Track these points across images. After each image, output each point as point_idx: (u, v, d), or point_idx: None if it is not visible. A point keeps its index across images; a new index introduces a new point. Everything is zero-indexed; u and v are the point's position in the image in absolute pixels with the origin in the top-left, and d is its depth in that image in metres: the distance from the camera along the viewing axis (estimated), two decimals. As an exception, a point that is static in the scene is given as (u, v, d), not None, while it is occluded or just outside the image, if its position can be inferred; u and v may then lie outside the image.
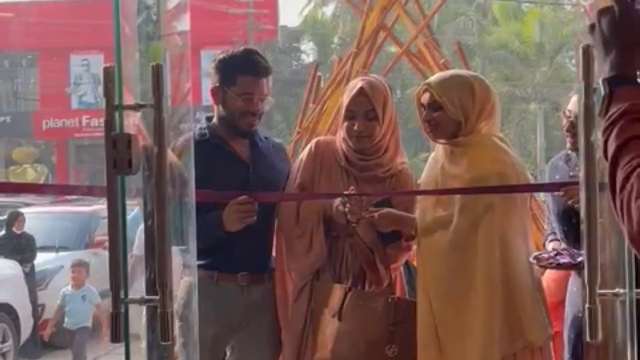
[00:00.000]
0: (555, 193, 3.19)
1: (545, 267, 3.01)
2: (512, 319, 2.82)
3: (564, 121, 3.25)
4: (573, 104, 3.14)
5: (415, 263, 3.13)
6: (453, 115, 2.91)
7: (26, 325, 8.50)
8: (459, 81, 2.99)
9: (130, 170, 2.06)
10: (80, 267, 8.11)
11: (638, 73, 1.31)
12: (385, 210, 2.97)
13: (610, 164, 1.19)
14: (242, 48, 3.22)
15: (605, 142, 1.24)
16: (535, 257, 2.93)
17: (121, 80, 2.09)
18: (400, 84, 23.82)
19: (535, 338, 2.85)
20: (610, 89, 1.28)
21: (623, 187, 1.12)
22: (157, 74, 2.08)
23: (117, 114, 2.09)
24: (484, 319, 2.80)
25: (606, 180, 1.21)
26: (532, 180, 3.40)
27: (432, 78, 3.09)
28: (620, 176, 1.14)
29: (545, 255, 3.06)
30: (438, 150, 3.06)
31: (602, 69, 1.32)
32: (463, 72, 3.25)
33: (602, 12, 1.32)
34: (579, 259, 2.94)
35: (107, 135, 2.08)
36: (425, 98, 2.98)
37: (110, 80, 2.08)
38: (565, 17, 27.54)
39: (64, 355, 9.10)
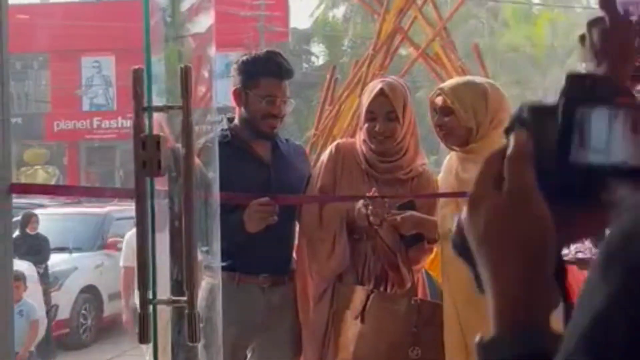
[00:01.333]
0: None
1: (566, 263, 3.01)
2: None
3: None
4: None
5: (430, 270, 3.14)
6: (465, 121, 2.91)
7: (40, 326, 8.52)
8: (473, 87, 2.99)
9: (159, 171, 2.07)
10: (16, 282, 7.86)
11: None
12: (409, 213, 2.97)
13: None
14: (264, 50, 3.24)
15: None
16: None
17: (151, 82, 2.09)
18: (410, 87, 23.83)
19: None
20: None
21: None
22: (186, 75, 2.09)
23: (146, 116, 2.10)
24: None
25: None
26: None
27: (446, 83, 3.10)
28: None
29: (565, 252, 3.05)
30: (452, 157, 3.06)
31: None
32: (478, 78, 3.24)
33: (593, 22, 1.28)
34: None
35: (135, 136, 2.08)
36: (438, 102, 2.98)
37: (139, 81, 2.09)
38: (576, 19, 27.47)
39: (79, 355, 9.14)
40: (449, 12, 6.41)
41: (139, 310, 2.13)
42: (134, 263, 6.60)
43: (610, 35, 1.26)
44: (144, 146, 2.07)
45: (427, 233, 3.01)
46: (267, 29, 23.55)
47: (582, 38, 1.30)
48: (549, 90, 26.79)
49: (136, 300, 6.31)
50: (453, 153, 3.04)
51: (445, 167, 3.09)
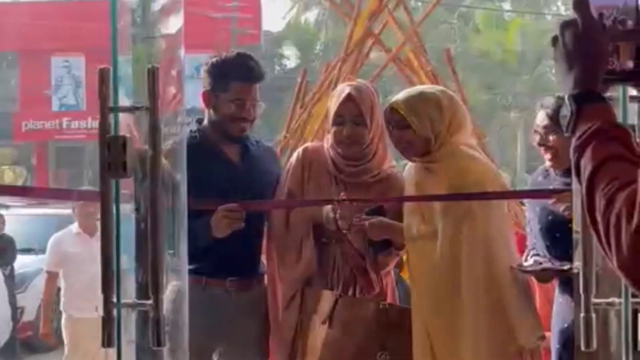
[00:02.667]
0: (539, 208, 3.18)
1: (528, 273, 3.01)
2: (501, 325, 2.83)
3: (536, 137, 3.19)
4: (541, 118, 3.11)
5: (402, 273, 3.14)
6: (422, 133, 2.91)
7: (5, 328, 8.42)
8: (426, 98, 2.97)
9: (125, 173, 2.04)
10: None
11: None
12: (376, 219, 2.97)
13: (587, 186, 1.14)
14: (235, 53, 3.21)
15: (577, 162, 1.19)
16: (519, 265, 2.95)
17: (117, 82, 2.06)
18: (381, 91, 23.88)
19: (526, 341, 2.87)
20: (578, 106, 1.23)
21: (607, 209, 1.08)
22: (153, 76, 2.07)
23: (112, 116, 2.07)
24: (474, 327, 2.82)
25: None
26: (508, 184, 3.42)
27: (399, 96, 3.03)
28: (600, 199, 1.09)
29: (528, 263, 3.07)
30: (410, 169, 3.06)
31: (565, 84, 1.27)
32: (429, 88, 3.24)
33: (565, 25, 1.28)
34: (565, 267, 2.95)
35: (101, 137, 2.05)
36: (393, 117, 2.98)
37: (106, 81, 2.06)
38: (546, 26, 27.71)
39: (45, 358, 9.02)
40: (420, 17, 6.43)
41: (101, 313, 2.11)
42: (56, 268, 6.46)
43: (582, 37, 1.25)
44: (109, 147, 2.04)
45: (395, 238, 3.00)
46: (239, 31, 23.49)
47: (555, 39, 1.29)
48: (519, 95, 27.00)
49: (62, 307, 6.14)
50: (411, 165, 3.05)
51: (404, 177, 3.10)
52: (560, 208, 2.99)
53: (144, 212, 2.15)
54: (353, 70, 5.25)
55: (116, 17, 2.24)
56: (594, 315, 2.08)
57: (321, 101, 5.13)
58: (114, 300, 2.10)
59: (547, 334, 3.16)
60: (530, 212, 3.29)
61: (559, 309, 3.19)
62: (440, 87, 3.27)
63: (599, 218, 1.10)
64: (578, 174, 1.18)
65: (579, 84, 1.25)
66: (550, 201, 3.07)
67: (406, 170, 3.12)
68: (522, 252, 3.22)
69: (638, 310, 2.05)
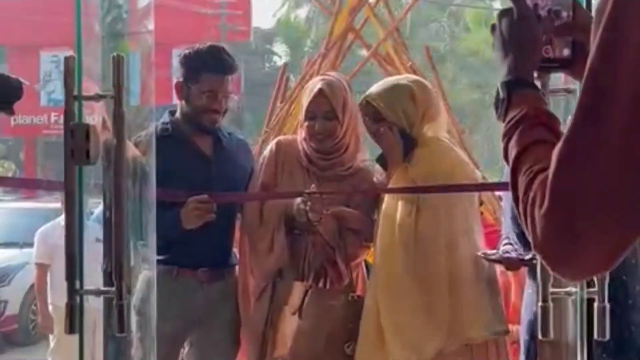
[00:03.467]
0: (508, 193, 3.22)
1: (493, 262, 3.04)
2: (452, 316, 2.85)
3: None
4: None
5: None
6: (397, 125, 2.94)
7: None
8: (400, 90, 3.00)
9: (87, 160, 2.06)
10: None
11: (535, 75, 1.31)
12: (338, 208, 3.00)
13: (512, 170, 1.16)
14: (207, 44, 3.22)
15: (506, 147, 1.22)
16: (484, 253, 2.97)
17: (81, 70, 2.09)
18: (368, 87, 23.91)
19: (476, 334, 2.87)
20: (509, 93, 1.26)
21: (526, 193, 1.11)
22: (118, 65, 2.09)
23: (76, 104, 2.09)
24: (422, 315, 2.84)
25: None
26: (480, 179, 3.44)
27: (373, 89, 3.06)
28: (522, 182, 1.12)
29: (493, 251, 3.09)
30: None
31: (501, 72, 1.30)
32: (402, 79, 3.24)
33: (502, 13, 1.31)
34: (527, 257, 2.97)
35: (66, 125, 2.07)
36: (368, 109, 3.01)
37: (70, 70, 2.08)
38: (536, 25, 27.74)
39: (26, 352, 9.03)
40: (401, 13, 6.44)
41: (66, 300, 2.12)
42: (46, 260, 6.44)
43: (516, 26, 1.29)
44: (72, 134, 2.06)
45: (356, 227, 3.03)
46: (229, 27, 23.47)
47: (493, 28, 1.32)
48: (508, 94, 27.01)
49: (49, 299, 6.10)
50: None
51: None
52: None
53: (109, 200, 2.18)
54: (334, 66, 5.25)
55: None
56: (551, 305, 2.11)
57: (301, 96, 5.13)
58: (77, 287, 2.12)
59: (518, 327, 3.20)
60: (505, 202, 3.33)
61: (527, 300, 3.22)
62: (415, 77, 3.28)
63: (520, 202, 1.13)
64: (507, 159, 1.21)
65: (511, 71, 1.28)
66: None
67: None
68: (493, 247, 3.25)
69: (592, 299, 2.08)
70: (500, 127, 1.28)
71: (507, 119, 1.24)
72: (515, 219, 3.20)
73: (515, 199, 1.14)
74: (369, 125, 3.04)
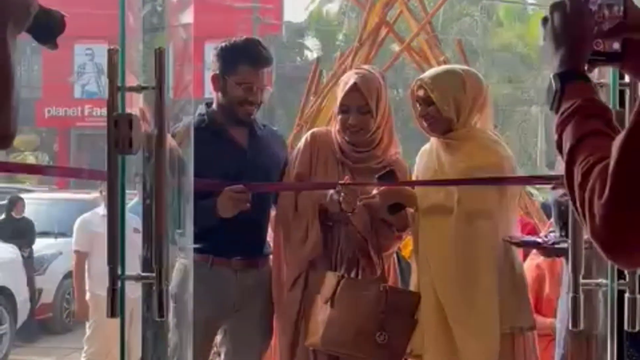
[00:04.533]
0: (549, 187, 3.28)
1: (517, 245, 3.07)
2: (502, 304, 2.90)
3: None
4: None
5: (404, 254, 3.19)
6: (445, 111, 2.98)
7: (23, 309, 8.56)
8: (451, 76, 3.05)
9: (130, 150, 2.12)
10: None
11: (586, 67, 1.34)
12: (385, 188, 3.03)
13: (567, 161, 1.20)
14: (244, 37, 3.28)
15: (560, 138, 1.25)
16: (510, 237, 3.01)
17: (124, 61, 2.14)
18: (402, 83, 23.84)
19: (514, 324, 2.94)
20: (562, 85, 1.29)
21: (583, 183, 1.14)
22: (160, 57, 2.14)
23: (119, 95, 2.15)
24: (483, 303, 2.90)
25: None
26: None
27: (426, 74, 3.15)
28: (578, 173, 1.15)
29: (519, 235, 3.15)
30: (432, 144, 3.12)
31: (552, 63, 1.33)
32: (456, 67, 3.31)
33: (555, 6, 1.34)
34: (551, 242, 3.02)
35: (109, 115, 2.14)
36: (419, 94, 3.05)
37: (114, 62, 2.14)
38: (569, 20, 27.47)
39: (60, 340, 9.17)
40: (434, 8, 6.47)
41: (107, 286, 2.19)
42: (85, 248, 6.55)
43: (569, 19, 1.32)
44: (116, 124, 2.13)
45: (406, 202, 3.06)
46: (261, 21, 23.54)
47: (545, 20, 1.36)
48: (540, 89, 26.84)
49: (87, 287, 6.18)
50: (433, 140, 3.11)
51: (423, 152, 3.16)
52: (560, 192, 3.06)
53: (150, 189, 2.24)
54: (367, 60, 5.29)
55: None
56: (582, 296, 2.14)
57: (334, 90, 5.18)
58: (119, 273, 2.19)
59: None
60: (551, 193, 3.40)
61: (563, 294, 3.26)
62: (467, 68, 3.32)
63: (576, 191, 1.16)
64: (560, 151, 1.25)
65: (564, 63, 1.31)
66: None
67: (427, 145, 3.17)
68: None
69: (623, 291, 2.10)
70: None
71: (561, 111, 1.27)
72: (556, 214, 3.23)
73: (570, 188, 1.17)
74: (417, 109, 3.08)
